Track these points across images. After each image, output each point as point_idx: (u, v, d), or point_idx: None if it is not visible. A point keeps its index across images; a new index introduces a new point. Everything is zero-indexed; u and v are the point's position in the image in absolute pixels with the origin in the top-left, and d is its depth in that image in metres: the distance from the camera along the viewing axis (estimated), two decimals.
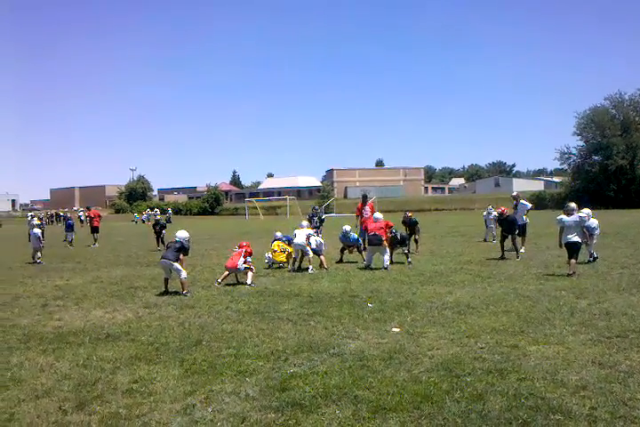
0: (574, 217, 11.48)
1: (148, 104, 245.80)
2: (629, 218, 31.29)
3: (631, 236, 18.71)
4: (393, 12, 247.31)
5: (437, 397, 4.75)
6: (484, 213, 21.61)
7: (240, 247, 11.81)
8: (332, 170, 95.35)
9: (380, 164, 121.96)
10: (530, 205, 17.37)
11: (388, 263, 13.46)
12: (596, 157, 57.72)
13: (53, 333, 7.64)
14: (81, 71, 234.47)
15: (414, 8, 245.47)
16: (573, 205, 11.79)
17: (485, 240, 20.69)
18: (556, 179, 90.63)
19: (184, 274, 10.47)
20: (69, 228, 25.42)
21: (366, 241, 14.08)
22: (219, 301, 9.71)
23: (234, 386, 5.22)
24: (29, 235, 18.93)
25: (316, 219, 17.51)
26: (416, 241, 17.17)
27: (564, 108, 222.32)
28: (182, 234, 10.94)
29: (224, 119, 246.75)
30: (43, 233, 19.87)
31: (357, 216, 17.05)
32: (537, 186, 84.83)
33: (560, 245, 11.74)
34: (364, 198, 17.60)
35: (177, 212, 77.08)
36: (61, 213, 37.17)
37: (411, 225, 17.11)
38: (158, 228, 21.74)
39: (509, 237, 14.94)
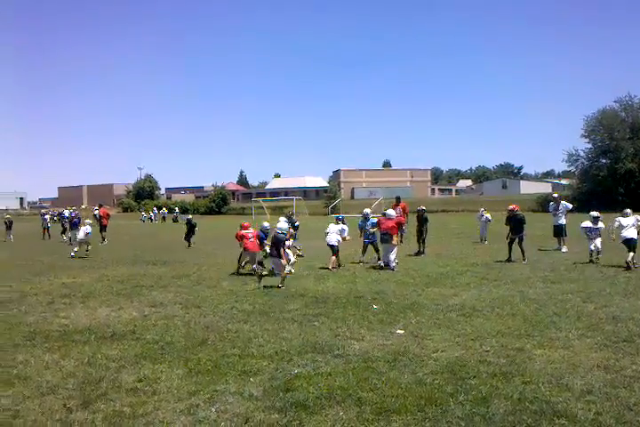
0: (631, 218, 13.37)
1: (157, 104, 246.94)
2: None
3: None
4: (405, 13, 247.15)
5: (441, 399, 4.74)
6: (477, 216, 22.35)
7: (245, 228, 13.08)
8: (339, 170, 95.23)
9: (387, 165, 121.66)
10: (570, 206, 17.78)
11: (394, 264, 13.49)
12: (604, 160, 57.21)
13: (59, 331, 7.67)
14: (89, 70, 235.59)
15: (426, 8, 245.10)
16: (628, 210, 13.97)
17: (480, 241, 21.05)
18: (563, 181, 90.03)
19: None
20: (74, 226, 25.51)
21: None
22: (224, 300, 9.72)
23: (238, 386, 5.23)
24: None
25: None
26: (423, 241, 17.04)
27: (573, 111, 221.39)
28: (281, 224, 11.77)
29: (232, 119, 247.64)
30: (64, 230, 20.69)
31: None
32: (544, 188, 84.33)
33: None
34: (398, 199, 18.29)
35: (184, 211, 77.11)
36: (64, 213, 37.18)
37: (421, 222, 17.05)
38: (189, 226, 22.66)
39: (517, 239, 14.80)
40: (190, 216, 25.00)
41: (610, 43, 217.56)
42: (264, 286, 11.04)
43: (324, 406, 4.68)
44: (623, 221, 13.43)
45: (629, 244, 13.02)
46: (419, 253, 16.79)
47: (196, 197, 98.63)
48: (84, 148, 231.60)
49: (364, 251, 15.17)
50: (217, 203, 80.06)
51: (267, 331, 7.35)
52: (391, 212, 14.47)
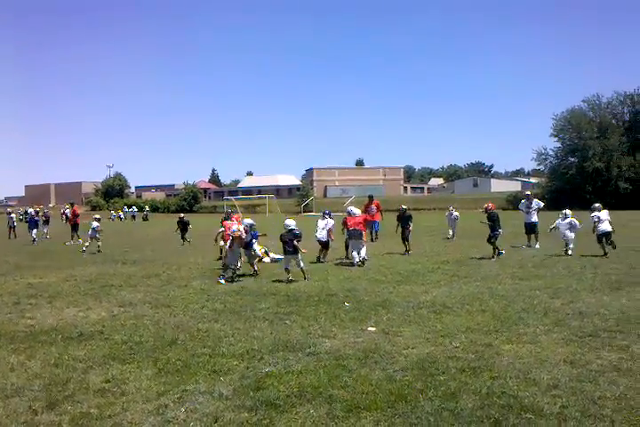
0: (605, 212, 14.92)
1: (127, 101, 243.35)
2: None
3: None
4: (375, 14, 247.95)
5: (411, 395, 4.77)
6: (447, 214, 22.98)
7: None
8: (312, 169, 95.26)
9: (359, 163, 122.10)
10: (542, 204, 18.23)
11: (360, 260, 13.80)
12: (573, 159, 58.53)
13: (25, 331, 7.52)
14: (57, 66, 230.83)
15: (398, 10, 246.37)
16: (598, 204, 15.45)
17: (449, 238, 21.66)
18: (532, 179, 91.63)
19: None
20: (33, 224, 25.26)
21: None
22: (195, 299, 9.64)
23: (208, 386, 5.19)
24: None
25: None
26: (407, 240, 16.82)
27: (543, 110, 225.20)
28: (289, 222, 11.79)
29: (204, 117, 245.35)
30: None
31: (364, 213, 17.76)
32: (514, 186, 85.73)
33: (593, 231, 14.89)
34: (371, 198, 18.63)
35: (154, 209, 76.40)
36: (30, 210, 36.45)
37: (404, 220, 16.95)
38: (182, 225, 22.63)
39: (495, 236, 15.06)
40: (183, 215, 24.97)
41: (580, 42, 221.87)
42: (236, 283, 10.98)
43: (295, 404, 4.67)
44: (601, 215, 14.77)
45: (608, 236, 14.64)
46: (405, 253, 16.55)
47: (167, 196, 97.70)
48: (52, 145, 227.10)
49: (347, 247, 15.29)
50: (188, 201, 79.52)
51: (238, 330, 7.31)
52: (355, 210, 14.84)
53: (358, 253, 13.86)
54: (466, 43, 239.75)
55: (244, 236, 12.04)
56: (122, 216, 60.40)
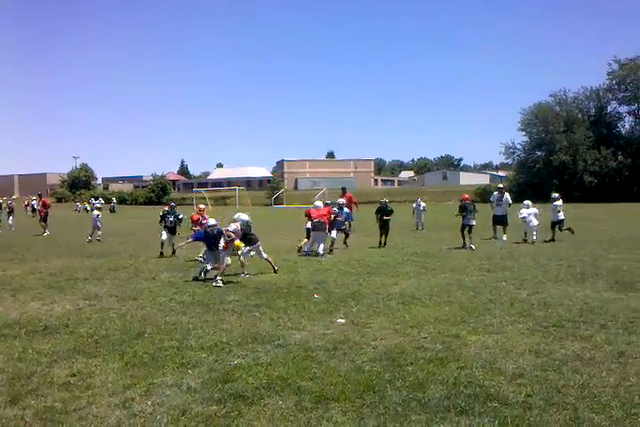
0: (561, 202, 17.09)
1: (94, 91, 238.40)
2: (572, 212, 32.35)
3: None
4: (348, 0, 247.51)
5: (379, 386, 4.80)
6: (414, 205, 23.48)
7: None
8: (283, 161, 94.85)
9: (330, 155, 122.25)
10: (511, 201, 18.50)
11: (324, 252, 14.21)
12: (540, 153, 59.46)
13: None
14: (20, 55, 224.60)
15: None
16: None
17: (417, 229, 22.31)
18: (501, 173, 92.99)
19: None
20: None
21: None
22: (162, 292, 9.53)
23: (175, 378, 5.14)
24: None
25: (171, 217, 15.54)
26: (387, 233, 16.67)
27: (511, 104, 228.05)
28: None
29: (173, 107, 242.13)
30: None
31: None
32: (483, 179, 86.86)
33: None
34: (344, 190, 18.75)
35: (122, 201, 75.18)
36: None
37: (385, 214, 16.78)
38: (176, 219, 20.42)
39: (470, 227, 15.64)
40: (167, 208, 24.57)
41: (548, 37, 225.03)
42: (203, 279, 10.86)
43: (263, 396, 4.66)
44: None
45: (559, 224, 17.00)
46: (381, 245, 16.51)
47: (135, 187, 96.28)
48: (16, 136, 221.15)
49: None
50: (156, 193, 78.40)
51: (206, 322, 7.26)
52: (319, 203, 15.52)
53: (319, 246, 14.29)
54: (437, 36, 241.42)
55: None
56: (88, 208, 59.20)
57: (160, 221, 15.62)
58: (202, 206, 15.40)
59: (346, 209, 17.19)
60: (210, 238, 10.90)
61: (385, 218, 16.79)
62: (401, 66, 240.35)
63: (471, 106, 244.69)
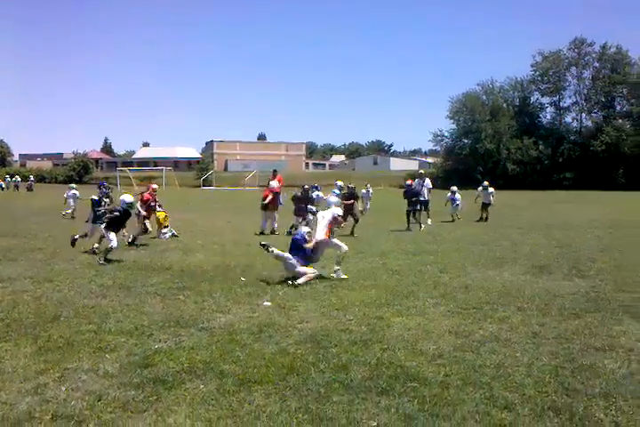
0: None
1: (11, 62, 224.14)
2: (496, 198, 33.57)
3: (494, 215, 20.13)
4: None
5: (303, 368, 4.80)
6: (363, 191, 23.31)
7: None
8: (213, 142, 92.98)
9: (262, 137, 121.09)
10: (431, 185, 18.86)
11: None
12: (466, 141, 61.28)
13: None
14: None
15: None
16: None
17: (362, 214, 22.05)
18: (429, 159, 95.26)
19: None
20: None
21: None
22: (81, 274, 9.14)
23: (92, 363, 4.94)
24: None
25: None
26: (356, 220, 15.84)
27: (442, 92, 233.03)
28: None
29: (98, 81, 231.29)
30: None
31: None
32: (412, 165, 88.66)
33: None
34: (275, 172, 18.92)
35: (41, 179, 71.70)
36: None
37: (353, 199, 16.00)
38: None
39: (415, 211, 16.34)
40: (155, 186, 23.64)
41: (476, 26, 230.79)
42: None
43: (184, 380, 4.55)
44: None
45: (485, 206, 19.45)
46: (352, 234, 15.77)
47: (55, 165, 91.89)
48: None
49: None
50: (77, 171, 74.98)
51: (127, 306, 7.00)
52: (275, 183, 15.95)
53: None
54: (370, 21, 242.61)
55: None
56: (3, 186, 56.04)
57: (101, 214, 11.49)
58: (154, 186, 14.62)
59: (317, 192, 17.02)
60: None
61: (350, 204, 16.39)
62: (334, 50, 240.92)
63: (403, 93, 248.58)
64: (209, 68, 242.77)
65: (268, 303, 7.18)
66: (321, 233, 9.03)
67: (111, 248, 10.38)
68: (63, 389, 4.38)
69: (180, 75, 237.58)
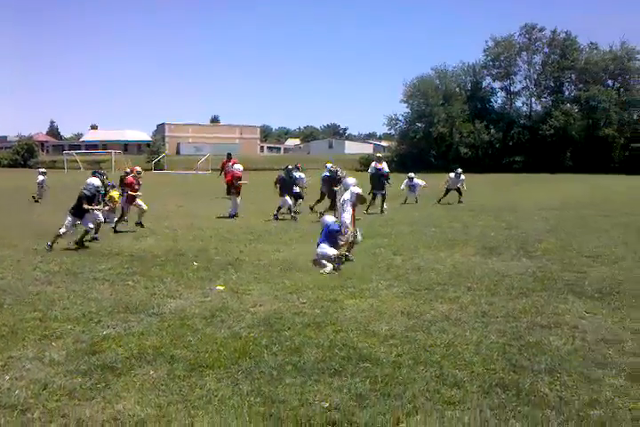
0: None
1: None
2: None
3: (448, 198, 20.42)
4: None
5: (256, 352, 4.78)
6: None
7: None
8: (164, 124, 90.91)
9: (215, 120, 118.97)
10: (387, 170, 18.43)
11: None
12: (420, 124, 61.76)
13: None
14: None
15: None
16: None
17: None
18: (384, 143, 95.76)
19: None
20: None
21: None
22: (26, 261, 8.85)
23: (37, 351, 4.81)
24: None
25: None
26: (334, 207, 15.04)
27: (396, 76, 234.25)
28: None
29: (43, 63, 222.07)
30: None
31: (220, 171, 20.49)
32: (367, 149, 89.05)
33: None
34: (229, 156, 19.79)
35: None
36: None
37: (334, 185, 14.95)
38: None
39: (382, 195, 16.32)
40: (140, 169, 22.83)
41: (432, 9, 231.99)
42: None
43: (134, 366, 4.47)
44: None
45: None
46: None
47: None
48: None
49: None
50: (22, 155, 72.27)
51: (74, 292, 6.82)
52: (238, 166, 16.13)
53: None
54: (325, 3, 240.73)
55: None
56: None
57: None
58: (138, 168, 13.93)
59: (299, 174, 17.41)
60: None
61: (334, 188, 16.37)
62: (289, 31, 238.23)
63: (357, 76, 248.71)
64: (159, 50, 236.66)
65: (221, 288, 7.11)
66: (348, 216, 9.04)
67: (61, 234, 10.03)
68: (7, 378, 4.27)
69: (130, 56, 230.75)
